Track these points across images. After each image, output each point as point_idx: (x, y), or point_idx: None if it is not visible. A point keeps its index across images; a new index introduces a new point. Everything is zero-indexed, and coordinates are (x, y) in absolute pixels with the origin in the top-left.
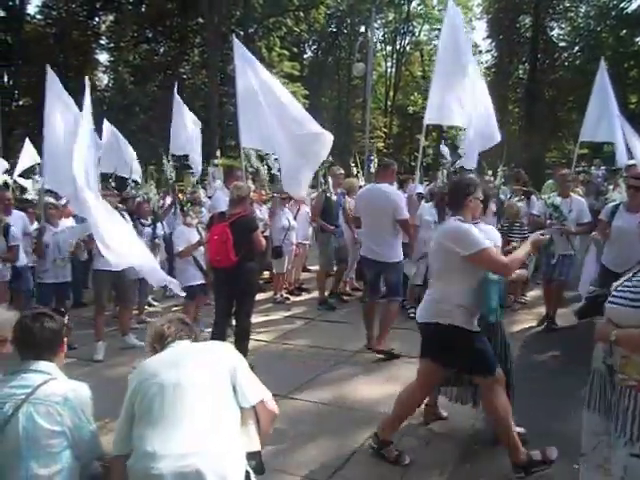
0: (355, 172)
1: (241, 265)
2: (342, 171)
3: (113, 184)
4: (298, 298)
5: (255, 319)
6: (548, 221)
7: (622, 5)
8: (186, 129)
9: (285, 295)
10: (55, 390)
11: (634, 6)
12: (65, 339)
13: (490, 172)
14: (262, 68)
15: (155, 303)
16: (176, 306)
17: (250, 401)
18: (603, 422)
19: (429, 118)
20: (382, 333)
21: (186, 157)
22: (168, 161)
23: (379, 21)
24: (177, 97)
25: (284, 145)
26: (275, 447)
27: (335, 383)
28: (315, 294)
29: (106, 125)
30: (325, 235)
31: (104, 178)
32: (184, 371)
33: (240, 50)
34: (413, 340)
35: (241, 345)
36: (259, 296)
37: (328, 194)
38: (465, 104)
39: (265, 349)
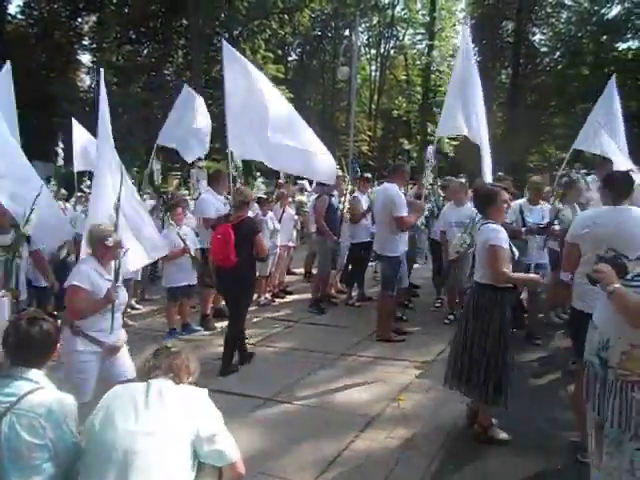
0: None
1: (240, 267)
2: (341, 172)
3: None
4: (282, 300)
5: None
6: (524, 229)
7: (603, 11)
8: (191, 123)
9: (269, 298)
10: (40, 401)
11: (614, 12)
12: (58, 345)
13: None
14: (253, 71)
15: (137, 306)
16: (157, 312)
17: (221, 462)
18: (592, 414)
19: (442, 130)
20: (379, 326)
21: (171, 157)
22: (152, 160)
23: (363, 25)
24: (189, 90)
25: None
26: (259, 450)
27: (320, 386)
28: (298, 296)
29: (75, 125)
30: (322, 237)
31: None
32: (143, 425)
33: (229, 53)
34: (398, 344)
35: (228, 348)
36: None
37: (333, 197)
38: (474, 122)
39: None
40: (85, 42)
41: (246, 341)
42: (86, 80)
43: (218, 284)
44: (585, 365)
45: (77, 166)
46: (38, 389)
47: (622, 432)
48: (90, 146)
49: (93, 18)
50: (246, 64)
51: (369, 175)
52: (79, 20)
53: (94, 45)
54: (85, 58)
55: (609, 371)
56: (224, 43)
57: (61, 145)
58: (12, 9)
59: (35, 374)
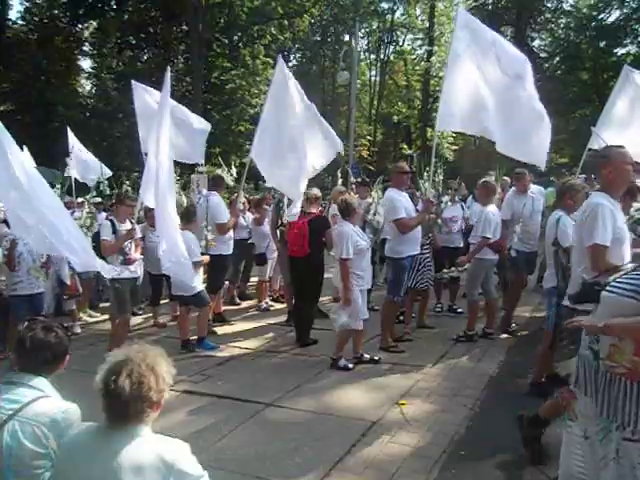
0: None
1: (312, 256)
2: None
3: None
4: (282, 305)
5: (240, 327)
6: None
7: (601, 17)
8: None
9: (270, 303)
10: (45, 410)
11: (613, 18)
12: (68, 356)
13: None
14: (295, 92)
15: (140, 312)
16: (164, 318)
17: None
18: (594, 405)
19: (440, 125)
20: (382, 331)
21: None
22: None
23: (363, 30)
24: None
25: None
26: (259, 455)
27: (320, 391)
28: None
29: (70, 135)
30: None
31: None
32: None
33: (283, 69)
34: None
35: (303, 329)
36: (244, 303)
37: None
38: (484, 111)
39: (250, 357)
40: (85, 48)
41: (247, 345)
42: (86, 86)
43: (292, 271)
44: (579, 359)
45: (73, 174)
46: (43, 397)
47: (610, 421)
48: (82, 157)
49: (93, 24)
50: (293, 84)
51: (366, 179)
52: (79, 26)
53: (94, 51)
54: (85, 64)
55: (600, 362)
56: (280, 59)
57: (25, 150)
58: (12, 15)
59: (41, 382)
